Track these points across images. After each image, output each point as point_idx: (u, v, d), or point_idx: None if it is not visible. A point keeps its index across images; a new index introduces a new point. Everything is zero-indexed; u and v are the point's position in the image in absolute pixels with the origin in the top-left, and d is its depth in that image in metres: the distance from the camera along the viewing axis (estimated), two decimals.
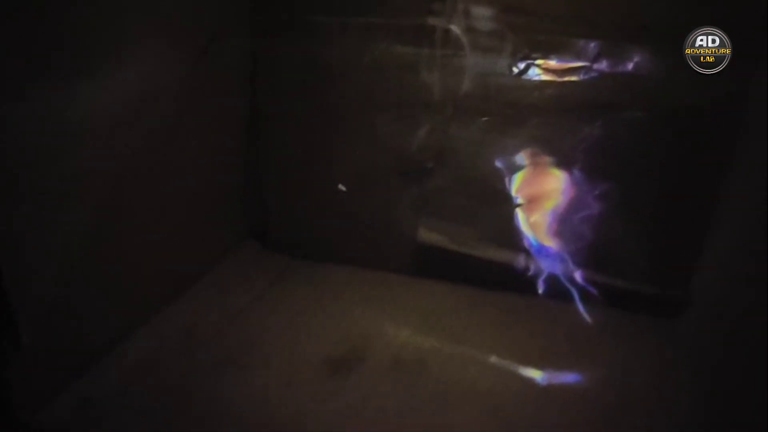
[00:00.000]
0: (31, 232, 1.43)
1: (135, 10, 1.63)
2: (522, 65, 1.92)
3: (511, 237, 2.05)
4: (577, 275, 1.99)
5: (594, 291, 1.96)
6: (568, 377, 1.77)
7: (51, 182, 1.46)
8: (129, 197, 1.70)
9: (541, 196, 2.01)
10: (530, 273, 2.05)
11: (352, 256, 2.25)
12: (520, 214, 2.03)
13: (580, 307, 1.96)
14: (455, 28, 1.94)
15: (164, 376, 1.69)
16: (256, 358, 1.77)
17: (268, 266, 2.24)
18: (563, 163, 1.97)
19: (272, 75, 2.15)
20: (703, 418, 1.44)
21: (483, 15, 1.92)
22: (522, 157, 2.01)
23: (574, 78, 1.89)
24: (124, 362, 1.70)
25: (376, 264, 2.23)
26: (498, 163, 2.01)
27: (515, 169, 2.02)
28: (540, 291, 2.03)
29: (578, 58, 1.87)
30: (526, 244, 2.04)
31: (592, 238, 1.96)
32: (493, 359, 1.82)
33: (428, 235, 2.16)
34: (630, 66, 1.82)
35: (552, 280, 2.02)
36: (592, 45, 1.84)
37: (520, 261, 2.06)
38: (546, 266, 2.03)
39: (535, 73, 1.92)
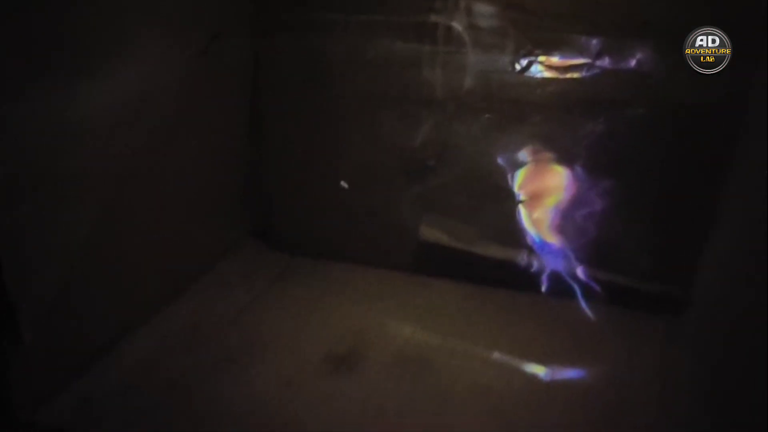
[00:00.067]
0: (31, 231, 1.44)
1: (135, 9, 1.63)
2: (524, 62, 1.92)
3: (513, 234, 2.05)
4: (580, 271, 1.98)
5: (596, 287, 1.96)
6: (570, 374, 1.77)
7: (51, 181, 1.46)
8: (129, 197, 1.71)
9: (543, 193, 2.01)
10: (532, 270, 2.05)
11: (354, 254, 2.25)
12: (522, 210, 2.02)
13: (583, 304, 1.96)
14: (457, 25, 1.94)
15: (165, 375, 1.69)
16: (256, 357, 1.78)
17: (269, 265, 2.25)
18: (565, 160, 1.96)
19: (273, 73, 2.15)
20: (704, 418, 1.44)
21: (485, 12, 1.91)
22: (524, 154, 2.00)
23: (576, 75, 1.88)
24: (124, 361, 1.71)
25: (377, 262, 2.23)
26: (500, 160, 2.01)
27: (517, 165, 2.01)
28: (542, 288, 2.03)
29: (580, 55, 1.86)
30: (528, 240, 2.04)
31: (594, 234, 1.96)
32: (495, 357, 1.82)
33: (430, 233, 2.15)
34: (632, 63, 1.81)
35: (554, 277, 2.02)
36: (594, 42, 1.83)
37: (523, 258, 2.06)
38: (548, 263, 2.02)
39: (538, 70, 1.91)
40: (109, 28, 1.56)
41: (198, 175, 1.98)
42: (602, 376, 1.74)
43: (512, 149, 2.00)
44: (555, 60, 1.89)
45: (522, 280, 2.05)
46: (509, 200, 2.03)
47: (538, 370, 1.78)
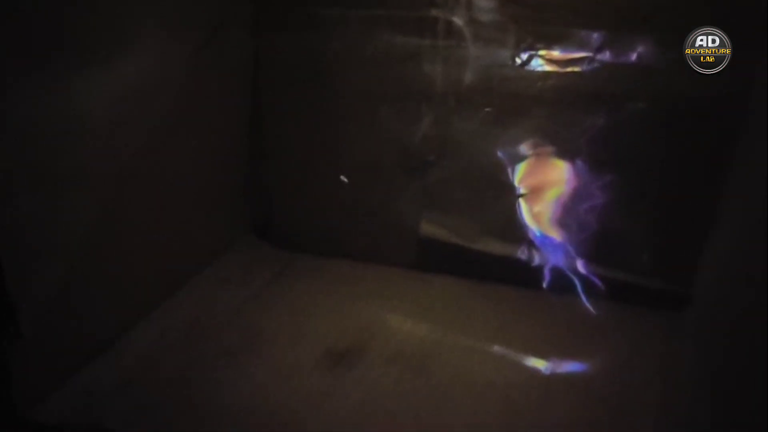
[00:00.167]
0: (31, 229, 1.44)
1: (135, 8, 1.63)
2: (525, 56, 1.91)
3: (513, 230, 2.05)
4: (580, 266, 1.98)
5: (597, 282, 1.96)
6: (570, 370, 1.77)
7: (52, 179, 1.46)
8: (129, 195, 1.71)
9: (543, 187, 2.01)
10: (533, 265, 2.05)
11: (354, 250, 2.25)
12: (523, 204, 2.02)
13: (584, 299, 1.96)
14: (457, 20, 1.93)
15: (164, 371, 1.70)
16: (256, 353, 1.78)
17: (269, 261, 2.25)
18: (566, 154, 1.96)
19: (274, 71, 2.15)
20: (704, 418, 1.44)
21: (485, 6, 1.91)
22: (525, 148, 2.00)
23: (576, 69, 1.88)
24: (124, 358, 1.71)
25: (378, 258, 2.23)
26: (500, 155, 2.01)
27: (518, 160, 2.01)
28: (543, 284, 2.04)
29: (581, 48, 1.86)
30: (529, 235, 2.04)
31: (595, 228, 1.96)
32: (496, 352, 1.82)
33: (430, 229, 2.15)
34: (633, 57, 1.81)
35: (555, 272, 2.02)
36: (594, 36, 1.83)
37: (523, 253, 2.06)
38: (549, 258, 2.02)
39: (538, 64, 1.91)
40: (109, 26, 1.56)
41: (198, 172, 1.98)
42: (603, 371, 1.74)
43: (513, 143, 2.00)
44: (556, 54, 1.89)
45: (523, 275, 2.05)
46: (510, 195, 2.03)
47: (539, 365, 1.78)
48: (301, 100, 2.14)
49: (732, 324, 1.45)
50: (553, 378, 1.73)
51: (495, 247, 2.09)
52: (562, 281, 2.01)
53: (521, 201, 2.02)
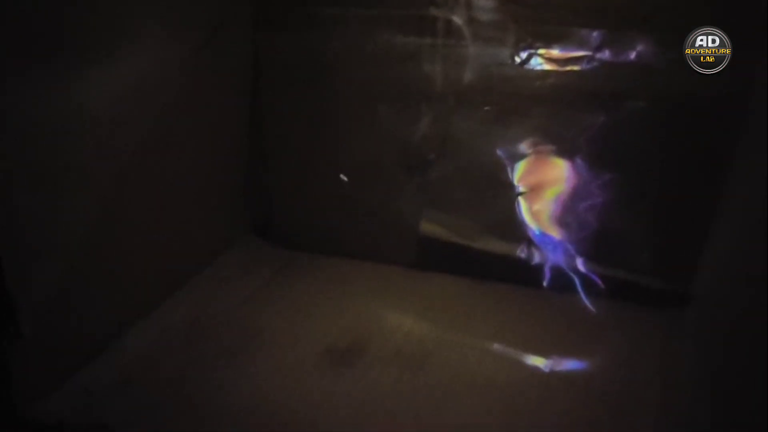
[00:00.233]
0: (31, 228, 1.44)
1: (135, 7, 1.63)
2: (524, 55, 1.91)
3: (513, 228, 2.05)
4: (580, 264, 1.98)
5: (597, 281, 1.96)
6: (570, 368, 1.77)
7: (52, 179, 1.47)
8: (129, 194, 1.71)
9: (543, 186, 2.01)
10: (533, 264, 2.05)
11: (354, 248, 2.25)
12: (522, 203, 2.02)
13: (583, 298, 1.96)
14: (457, 19, 1.93)
15: (164, 369, 1.70)
16: (256, 351, 1.78)
17: (269, 260, 2.25)
18: (565, 153, 1.96)
19: (274, 69, 2.15)
20: (704, 417, 1.44)
21: (485, 5, 1.91)
22: (524, 147, 2.00)
23: (576, 67, 1.87)
24: (124, 356, 1.72)
25: (377, 257, 2.23)
26: (500, 153, 2.01)
27: (517, 158, 2.01)
28: (543, 282, 2.04)
29: (580, 47, 1.85)
30: (529, 234, 2.04)
31: (594, 227, 1.96)
32: (496, 351, 1.82)
33: (430, 228, 2.15)
34: (632, 56, 1.80)
35: (555, 271, 2.02)
36: (594, 34, 1.83)
37: (523, 252, 2.06)
38: (549, 256, 2.02)
39: (537, 63, 1.91)
40: (109, 26, 1.56)
41: (198, 172, 1.98)
42: (603, 370, 1.74)
43: (512, 142, 2.00)
44: (555, 52, 1.89)
45: (523, 274, 2.05)
46: (509, 194, 2.03)
47: (539, 363, 1.78)
48: (301, 100, 2.14)
49: (732, 323, 1.45)
50: (552, 376, 1.73)
51: (495, 245, 2.08)
52: (562, 280, 2.01)
53: (521, 200, 2.02)
